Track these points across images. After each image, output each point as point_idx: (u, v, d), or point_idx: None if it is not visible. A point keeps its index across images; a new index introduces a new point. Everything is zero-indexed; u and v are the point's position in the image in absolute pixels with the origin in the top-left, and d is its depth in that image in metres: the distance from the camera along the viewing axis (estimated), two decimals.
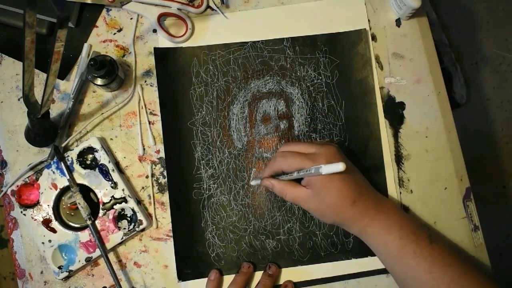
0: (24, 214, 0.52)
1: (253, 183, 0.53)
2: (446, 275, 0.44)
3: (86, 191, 0.53)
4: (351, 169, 0.48)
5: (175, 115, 0.55)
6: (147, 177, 0.54)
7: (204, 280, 0.52)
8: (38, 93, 0.48)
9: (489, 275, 0.53)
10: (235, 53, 0.56)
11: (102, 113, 0.55)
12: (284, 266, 0.53)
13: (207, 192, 0.54)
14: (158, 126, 0.55)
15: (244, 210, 0.54)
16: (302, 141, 0.54)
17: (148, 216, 0.54)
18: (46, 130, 0.52)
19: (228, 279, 0.53)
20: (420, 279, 0.45)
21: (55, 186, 0.52)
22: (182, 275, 0.53)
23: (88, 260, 0.51)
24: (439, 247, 0.46)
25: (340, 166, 0.40)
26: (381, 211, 0.47)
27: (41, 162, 0.54)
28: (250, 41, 0.56)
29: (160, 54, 0.56)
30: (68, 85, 0.56)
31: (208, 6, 0.58)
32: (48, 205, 0.52)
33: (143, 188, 0.54)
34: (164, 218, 0.54)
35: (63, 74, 0.56)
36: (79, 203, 0.51)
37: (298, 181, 0.48)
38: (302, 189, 0.47)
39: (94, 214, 0.52)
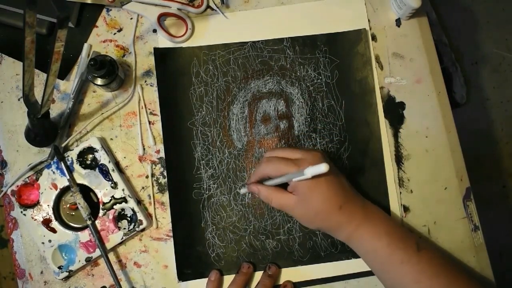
0: (24, 214, 0.52)
1: (241, 191, 0.53)
2: (434, 285, 0.44)
3: (86, 191, 0.53)
4: (336, 173, 0.48)
5: (175, 115, 0.55)
6: (147, 177, 0.54)
7: (204, 280, 0.52)
8: (38, 93, 0.48)
9: (485, 282, 0.53)
10: (235, 53, 0.56)
11: (102, 113, 0.55)
12: (284, 266, 0.53)
13: (207, 192, 0.54)
14: (158, 126, 0.55)
15: (244, 210, 0.54)
16: (287, 147, 0.54)
17: (148, 216, 0.54)
18: (46, 130, 0.52)
19: (228, 279, 0.53)
20: None
21: (55, 186, 0.52)
22: (182, 275, 0.53)
23: (88, 260, 0.51)
24: (427, 255, 0.46)
25: (322, 167, 0.40)
26: (369, 216, 0.47)
27: (41, 162, 0.54)
28: (250, 41, 0.56)
29: (160, 54, 0.56)
30: (68, 85, 0.56)
31: (208, 6, 0.58)
32: (48, 205, 0.52)
33: (143, 188, 0.54)
34: (164, 218, 0.54)
35: (63, 74, 0.56)
36: (79, 203, 0.51)
37: (285, 188, 0.48)
38: (288, 195, 0.47)
39: (94, 214, 0.52)
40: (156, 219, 0.54)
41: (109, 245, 0.52)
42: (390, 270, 0.46)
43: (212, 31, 0.57)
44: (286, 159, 0.47)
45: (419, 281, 0.44)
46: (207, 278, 0.52)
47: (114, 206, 0.52)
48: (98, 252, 0.51)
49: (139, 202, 0.54)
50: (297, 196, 0.46)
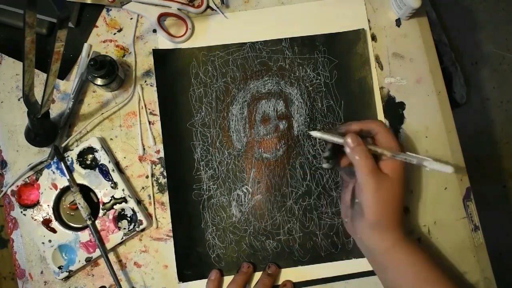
0: (24, 214, 0.52)
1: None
2: None
3: (86, 191, 0.53)
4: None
5: (174, 116, 0.55)
6: (147, 177, 0.54)
7: (205, 281, 0.52)
8: (38, 93, 0.48)
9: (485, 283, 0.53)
10: (234, 54, 0.56)
11: (102, 113, 0.55)
12: (285, 266, 0.53)
13: (207, 193, 0.54)
14: (158, 126, 0.55)
15: (244, 210, 0.54)
16: None
17: (148, 216, 0.54)
18: (46, 130, 0.52)
19: (228, 280, 0.53)
20: None
21: (55, 186, 0.52)
22: (182, 276, 0.53)
23: (88, 260, 0.51)
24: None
25: (449, 169, 0.41)
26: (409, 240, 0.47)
27: (41, 162, 0.54)
28: (249, 42, 0.56)
29: (159, 55, 0.56)
30: (68, 85, 0.56)
31: (208, 6, 0.58)
32: (48, 205, 0.52)
33: (143, 188, 0.54)
34: (164, 218, 0.54)
35: (63, 74, 0.56)
36: (79, 203, 0.51)
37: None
38: (380, 172, 0.44)
39: (94, 214, 0.52)
40: (156, 219, 0.54)
41: (109, 245, 0.52)
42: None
43: (212, 31, 0.57)
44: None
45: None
46: (207, 279, 0.52)
47: (114, 206, 0.52)
48: (98, 252, 0.51)
49: (139, 202, 0.54)
50: (388, 175, 0.44)
